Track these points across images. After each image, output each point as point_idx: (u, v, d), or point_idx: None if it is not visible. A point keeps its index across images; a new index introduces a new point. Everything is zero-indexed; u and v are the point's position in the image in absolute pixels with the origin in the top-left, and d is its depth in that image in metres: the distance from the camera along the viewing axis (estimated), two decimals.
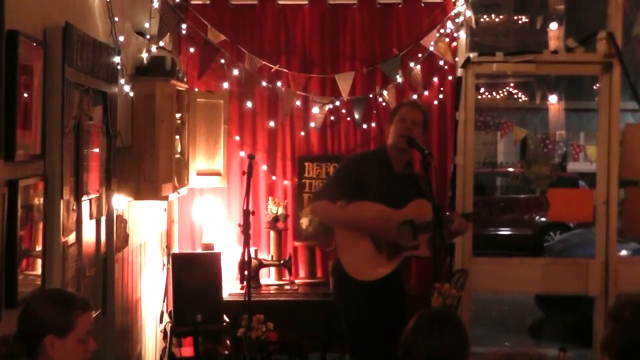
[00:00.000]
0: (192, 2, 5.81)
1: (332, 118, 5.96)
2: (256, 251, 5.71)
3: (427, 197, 4.37)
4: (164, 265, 5.53)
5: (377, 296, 4.28)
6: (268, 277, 5.87)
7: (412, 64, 5.86)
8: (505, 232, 14.02)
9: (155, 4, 5.03)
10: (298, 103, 5.88)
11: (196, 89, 5.62)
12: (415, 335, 2.52)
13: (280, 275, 5.83)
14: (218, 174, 5.55)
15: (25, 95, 2.90)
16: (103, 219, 3.98)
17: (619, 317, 2.61)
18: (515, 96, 22.43)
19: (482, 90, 20.36)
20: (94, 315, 3.73)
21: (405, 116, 4.41)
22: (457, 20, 5.85)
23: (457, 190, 5.88)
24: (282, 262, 5.69)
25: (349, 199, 4.33)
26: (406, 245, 4.33)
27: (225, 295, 5.27)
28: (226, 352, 5.14)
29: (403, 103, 4.73)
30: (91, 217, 3.76)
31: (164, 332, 5.27)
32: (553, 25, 6.36)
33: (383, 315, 4.33)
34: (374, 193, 4.33)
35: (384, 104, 5.90)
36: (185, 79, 5.16)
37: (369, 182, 4.35)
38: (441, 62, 5.91)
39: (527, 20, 21.76)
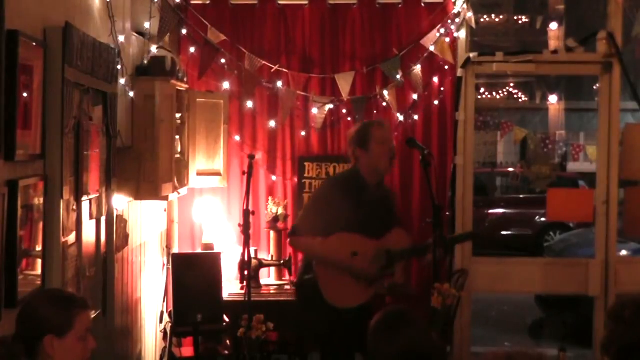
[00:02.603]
0: (192, 2, 5.80)
1: (332, 118, 5.96)
2: (256, 251, 5.70)
3: (397, 218, 4.54)
4: (164, 265, 5.53)
5: (349, 322, 4.29)
6: (268, 277, 5.87)
7: (412, 64, 5.86)
8: (505, 232, 14.01)
9: (155, 4, 5.03)
10: (298, 103, 5.88)
11: (196, 89, 5.62)
12: (377, 342, 2.53)
13: (280, 275, 5.83)
14: (218, 174, 5.55)
15: (25, 95, 2.90)
16: (103, 219, 3.98)
17: (619, 318, 2.62)
18: (515, 96, 22.43)
19: (482, 90, 20.37)
20: (94, 316, 3.74)
21: (385, 137, 4.41)
22: (457, 20, 5.85)
23: (457, 190, 5.87)
24: (282, 262, 5.69)
25: (327, 229, 4.32)
26: (381, 274, 4.35)
27: (225, 295, 5.27)
28: (226, 352, 5.14)
29: (370, 124, 4.54)
30: (91, 217, 3.76)
31: (164, 332, 5.27)
32: (553, 25, 6.39)
33: (354, 339, 4.34)
34: (351, 221, 4.32)
35: (384, 104, 5.90)
36: (185, 79, 5.16)
37: (345, 210, 4.32)
38: (441, 62, 5.91)
39: (527, 20, 21.76)
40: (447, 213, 5.76)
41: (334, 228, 4.32)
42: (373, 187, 4.44)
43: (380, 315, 2.63)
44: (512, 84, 21.84)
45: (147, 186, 4.45)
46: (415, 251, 4.48)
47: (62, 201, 3.21)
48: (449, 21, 5.84)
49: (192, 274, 5.11)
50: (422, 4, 5.92)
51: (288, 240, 4.69)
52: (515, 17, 21.57)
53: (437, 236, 4.19)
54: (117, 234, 4.23)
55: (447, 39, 5.85)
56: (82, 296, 3.12)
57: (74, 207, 3.44)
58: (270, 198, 5.92)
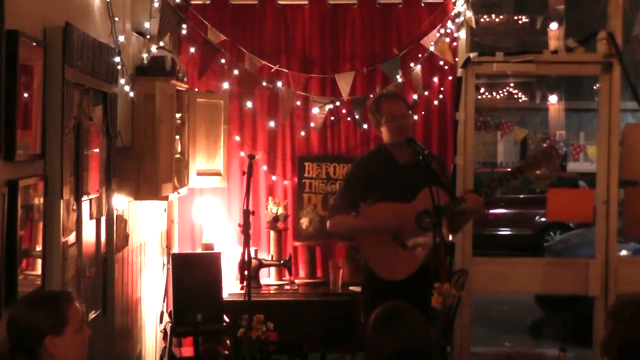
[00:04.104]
0: (192, 2, 5.81)
1: (332, 118, 5.96)
2: (256, 251, 5.70)
3: (438, 180, 4.31)
4: (164, 265, 5.53)
5: (408, 293, 4.25)
6: (268, 277, 5.87)
7: (412, 64, 5.86)
8: (505, 232, 14.03)
9: (155, 4, 5.03)
10: (298, 103, 5.88)
11: (196, 89, 5.62)
12: (374, 339, 2.53)
13: (280, 275, 5.83)
14: (218, 174, 5.55)
15: (25, 95, 2.90)
16: (103, 219, 3.98)
17: (619, 318, 2.62)
18: (515, 96, 22.41)
19: (482, 90, 20.35)
20: (94, 316, 3.75)
21: (392, 114, 4.40)
22: (457, 20, 5.85)
23: (457, 191, 5.86)
24: (282, 262, 5.69)
25: (362, 204, 4.36)
26: (427, 231, 4.32)
27: (225, 295, 5.26)
28: (226, 352, 5.14)
29: (380, 98, 4.55)
30: (91, 217, 3.76)
31: (164, 332, 5.27)
32: (553, 25, 6.34)
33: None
34: (384, 192, 4.34)
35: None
36: (185, 79, 5.16)
37: (377, 182, 4.37)
38: (441, 62, 5.91)
39: (527, 20, 21.73)
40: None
41: (368, 202, 4.35)
42: (403, 157, 4.41)
43: (379, 311, 2.63)
44: (512, 84, 21.82)
45: (147, 186, 4.45)
46: (452, 203, 4.30)
47: (62, 201, 3.22)
48: (449, 21, 5.84)
49: (192, 274, 5.11)
50: (422, 4, 5.92)
51: (327, 224, 4.67)
52: (515, 17, 21.53)
53: (437, 236, 4.19)
54: (117, 234, 4.23)
55: (447, 39, 5.85)
56: (62, 290, 3.13)
57: (74, 207, 3.44)
58: (270, 198, 5.92)
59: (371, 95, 5.84)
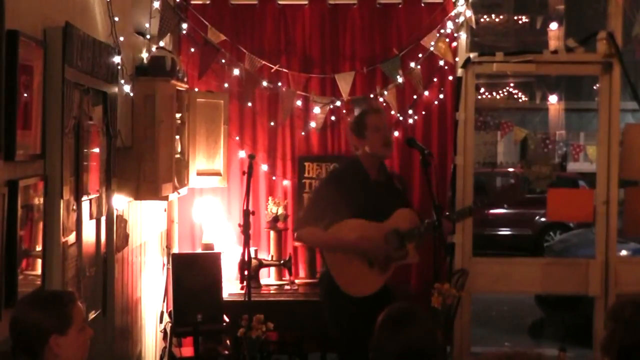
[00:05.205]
0: (192, 2, 5.81)
1: (332, 118, 5.96)
2: (256, 251, 5.71)
3: (405, 199, 4.51)
4: (164, 265, 5.53)
5: (369, 309, 4.26)
6: (268, 277, 5.87)
7: (412, 64, 5.86)
8: (505, 232, 14.02)
9: (156, 4, 5.03)
10: (298, 103, 5.88)
11: (196, 89, 5.62)
12: (380, 339, 2.53)
13: (280, 275, 5.83)
14: (218, 174, 5.55)
15: (25, 95, 2.90)
16: (103, 219, 3.98)
17: (619, 318, 2.62)
18: (515, 96, 22.41)
19: (482, 90, 20.35)
20: (94, 316, 3.75)
21: (377, 126, 4.39)
22: (457, 20, 5.85)
23: (457, 190, 5.87)
24: (282, 262, 5.69)
25: (332, 219, 4.30)
26: (395, 255, 4.34)
27: (225, 295, 5.27)
28: (226, 352, 5.14)
29: (365, 112, 4.52)
30: (91, 217, 3.76)
31: (164, 332, 5.27)
32: (553, 25, 6.35)
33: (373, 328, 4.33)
34: (356, 208, 4.31)
35: (384, 104, 5.90)
36: (185, 79, 5.16)
37: (348, 197, 4.31)
38: (441, 62, 5.91)
39: (527, 20, 21.74)
40: (447, 213, 5.75)
41: (339, 217, 4.31)
42: (375, 173, 4.44)
43: (386, 312, 2.63)
44: (512, 84, 21.83)
45: (147, 186, 4.44)
46: (425, 228, 4.34)
47: (62, 201, 3.21)
48: (449, 21, 5.84)
49: (192, 274, 5.11)
50: (422, 4, 5.93)
51: (294, 235, 4.66)
52: (515, 17, 21.55)
53: (437, 236, 4.19)
54: (117, 234, 4.23)
55: (447, 39, 5.85)
56: (64, 290, 3.13)
57: (74, 207, 3.44)
58: (270, 198, 5.92)
59: (371, 95, 5.86)
